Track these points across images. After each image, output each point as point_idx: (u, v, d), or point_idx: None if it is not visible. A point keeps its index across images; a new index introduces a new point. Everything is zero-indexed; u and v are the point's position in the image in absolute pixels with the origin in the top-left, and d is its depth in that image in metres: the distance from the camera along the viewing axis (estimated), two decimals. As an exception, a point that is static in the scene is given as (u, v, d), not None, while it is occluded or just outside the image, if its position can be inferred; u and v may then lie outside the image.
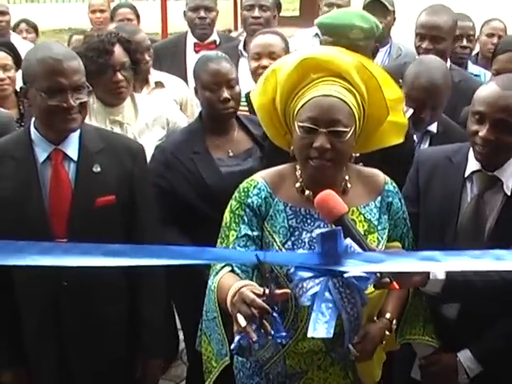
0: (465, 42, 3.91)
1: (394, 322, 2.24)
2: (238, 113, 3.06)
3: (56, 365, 2.50)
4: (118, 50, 3.06)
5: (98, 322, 2.46)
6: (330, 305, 1.94)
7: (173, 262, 1.85)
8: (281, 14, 5.11)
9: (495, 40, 4.27)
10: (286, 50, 3.34)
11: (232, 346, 1.79)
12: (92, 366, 2.49)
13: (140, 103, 3.24)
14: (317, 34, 4.73)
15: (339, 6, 4.52)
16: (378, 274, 1.92)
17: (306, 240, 2.11)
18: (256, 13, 4.36)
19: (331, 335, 1.93)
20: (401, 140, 2.30)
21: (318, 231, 1.92)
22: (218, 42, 4.52)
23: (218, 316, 2.05)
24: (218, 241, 2.21)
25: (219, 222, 2.24)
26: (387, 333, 2.20)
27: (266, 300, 1.74)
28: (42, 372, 2.52)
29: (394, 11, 4.27)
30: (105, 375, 2.52)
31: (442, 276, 2.09)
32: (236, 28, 9.67)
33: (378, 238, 2.18)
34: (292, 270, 1.97)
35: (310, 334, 1.93)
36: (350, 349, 2.12)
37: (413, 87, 2.92)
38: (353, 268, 1.87)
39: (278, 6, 4.79)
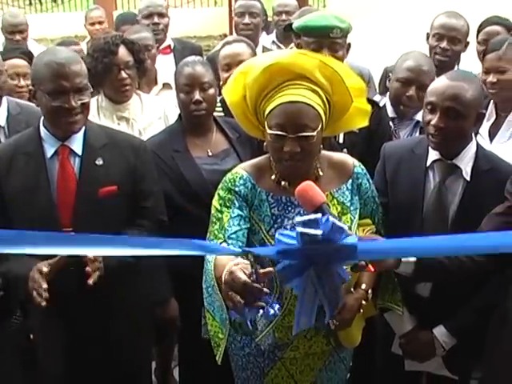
0: None
1: (370, 291, 2.35)
2: (216, 115, 3.09)
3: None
4: (122, 50, 3.22)
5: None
6: (312, 296, 1.94)
7: (163, 253, 1.77)
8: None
9: None
10: (253, 55, 3.34)
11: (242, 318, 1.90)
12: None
13: (146, 102, 3.36)
14: (273, 42, 4.99)
15: (287, 13, 4.85)
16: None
17: (288, 227, 2.20)
18: (246, 19, 4.56)
19: (312, 324, 2.03)
20: (365, 123, 2.37)
21: (298, 219, 1.84)
22: (172, 46, 4.61)
23: (214, 284, 2.10)
24: (210, 226, 2.26)
25: (198, 216, 2.27)
26: (363, 302, 2.32)
27: (255, 279, 1.82)
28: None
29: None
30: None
31: (413, 258, 2.19)
32: (231, 33, 9.74)
33: (350, 219, 2.30)
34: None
35: (294, 332, 2.05)
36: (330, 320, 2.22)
37: (400, 70, 3.08)
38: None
39: (265, 13, 5.06)
